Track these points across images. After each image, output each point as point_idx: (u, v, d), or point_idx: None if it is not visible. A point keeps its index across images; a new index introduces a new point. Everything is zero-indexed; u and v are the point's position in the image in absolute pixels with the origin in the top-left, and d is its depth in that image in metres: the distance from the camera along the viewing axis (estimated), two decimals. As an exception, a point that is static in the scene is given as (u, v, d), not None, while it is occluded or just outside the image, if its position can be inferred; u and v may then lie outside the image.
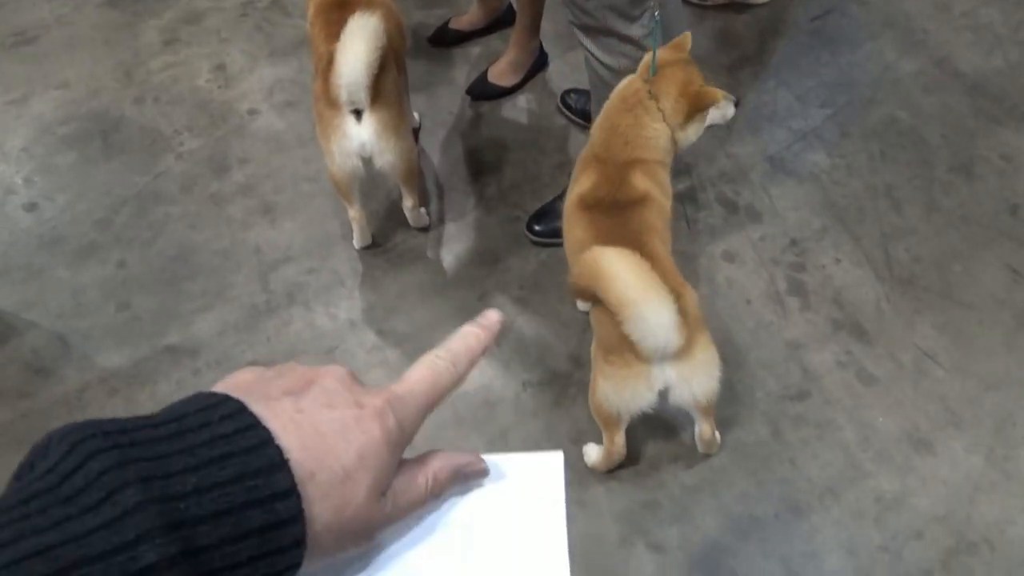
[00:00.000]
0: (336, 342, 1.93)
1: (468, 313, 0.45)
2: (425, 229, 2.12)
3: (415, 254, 2.08)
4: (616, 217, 1.53)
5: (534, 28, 2.37)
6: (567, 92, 2.35)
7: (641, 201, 1.52)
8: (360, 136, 1.73)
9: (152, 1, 2.78)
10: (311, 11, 1.91)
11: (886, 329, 1.90)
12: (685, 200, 2.12)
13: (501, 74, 2.42)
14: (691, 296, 1.47)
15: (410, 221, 2.08)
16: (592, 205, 1.55)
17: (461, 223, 2.14)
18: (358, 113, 1.72)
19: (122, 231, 2.16)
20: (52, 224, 2.18)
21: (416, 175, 1.93)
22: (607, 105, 1.59)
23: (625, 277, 1.33)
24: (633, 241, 1.45)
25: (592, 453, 1.65)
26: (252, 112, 2.43)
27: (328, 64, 1.68)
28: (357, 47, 1.62)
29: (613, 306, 1.34)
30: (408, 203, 2.00)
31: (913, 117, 2.29)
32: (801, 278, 1.99)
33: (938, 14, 2.56)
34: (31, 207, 2.23)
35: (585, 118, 2.27)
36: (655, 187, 1.53)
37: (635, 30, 1.59)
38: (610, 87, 1.64)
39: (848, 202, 2.12)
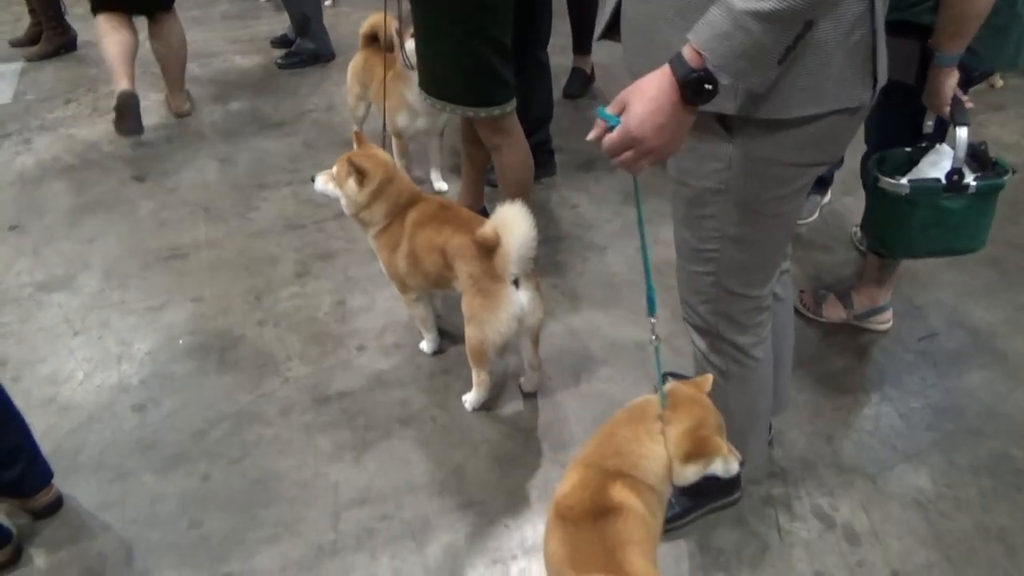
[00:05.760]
0: (394, 601, 1.84)
1: None
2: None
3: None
4: (589, 531, 1.40)
5: None
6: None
7: (615, 511, 1.39)
8: (520, 300, 2.07)
9: (295, 237, 3.08)
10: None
11: None
12: (778, 507, 2.03)
13: None
14: None
15: (529, 386, 2.38)
16: (565, 514, 1.44)
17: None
18: (515, 282, 2.06)
19: (214, 446, 2.21)
20: (152, 428, 2.27)
21: None
22: (614, 415, 1.54)
23: None
24: (609, 558, 1.34)
25: None
26: (360, 348, 2.56)
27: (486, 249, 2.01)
28: (525, 226, 1.93)
29: None
30: (534, 362, 2.32)
31: (1028, 457, 2.18)
32: (904, 619, 1.81)
33: (1051, 352, 2.53)
34: (139, 408, 2.34)
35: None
36: (637, 502, 1.41)
37: (745, 339, 1.62)
38: (716, 385, 1.65)
39: (956, 539, 1.96)
